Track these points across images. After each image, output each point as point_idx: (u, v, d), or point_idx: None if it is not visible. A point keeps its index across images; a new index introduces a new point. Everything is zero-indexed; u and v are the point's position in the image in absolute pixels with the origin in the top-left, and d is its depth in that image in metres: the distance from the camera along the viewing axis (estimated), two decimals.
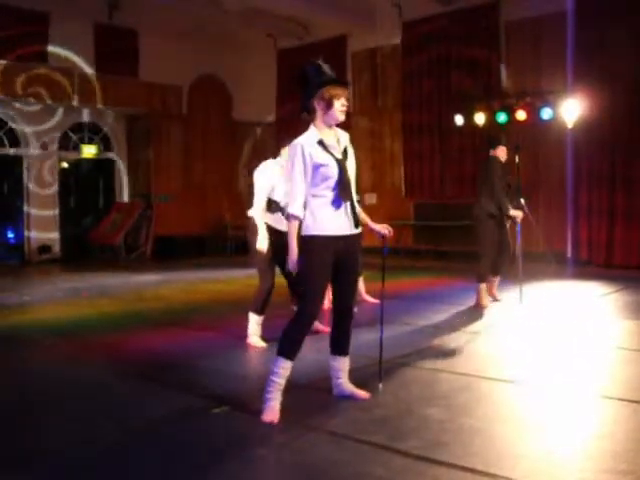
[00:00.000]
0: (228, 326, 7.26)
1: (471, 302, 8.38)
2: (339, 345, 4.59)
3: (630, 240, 12.19)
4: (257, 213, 6.32)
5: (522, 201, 12.26)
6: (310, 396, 4.64)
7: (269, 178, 6.37)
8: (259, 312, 6.39)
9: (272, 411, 4.11)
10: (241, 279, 10.93)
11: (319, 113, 4.35)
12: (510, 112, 12.88)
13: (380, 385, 4.77)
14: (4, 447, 3.82)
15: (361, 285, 8.69)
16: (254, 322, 6.38)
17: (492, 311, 8.05)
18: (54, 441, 3.91)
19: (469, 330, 6.89)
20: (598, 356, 5.79)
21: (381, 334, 4.94)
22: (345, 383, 4.62)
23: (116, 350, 6.33)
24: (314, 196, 4.27)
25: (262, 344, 6.32)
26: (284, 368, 4.21)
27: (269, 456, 3.59)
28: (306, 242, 4.28)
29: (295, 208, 4.24)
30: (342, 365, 4.60)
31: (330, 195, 4.26)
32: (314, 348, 5.67)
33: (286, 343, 4.26)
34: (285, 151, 6.20)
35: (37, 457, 3.66)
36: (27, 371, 5.63)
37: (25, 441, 3.91)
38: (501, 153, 8.55)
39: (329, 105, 4.30)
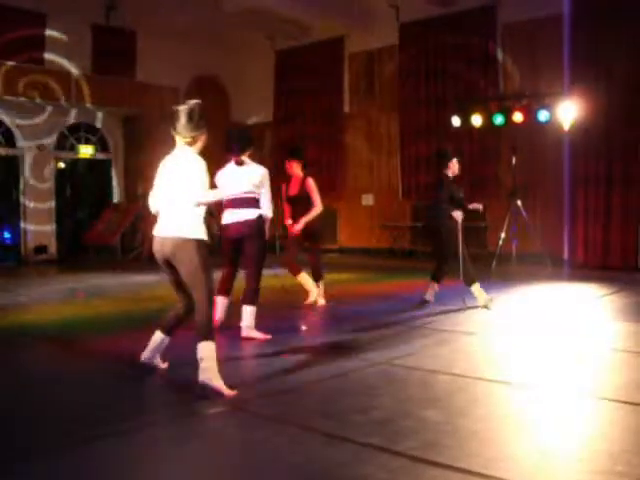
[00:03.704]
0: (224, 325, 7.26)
1: (470, 303, 8.37)
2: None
3: (626, 242, 12.21)
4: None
5: (518, 203, 12.33)
6: (305, 398, 4.64)
7: None
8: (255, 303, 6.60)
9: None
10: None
11: None
12: (507, 114, 12.87)
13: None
14: (1, 447, 3.81)
15: (319, 289, 8.81)
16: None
17: (489, 312, 8.06)
18: (51, 441, 3.90)
19: (466, 331, 6.90)
20: (594, 357, 5.79)
21: None
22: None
23: (112, 350, 6.33)
24: None
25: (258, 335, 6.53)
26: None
27: (267, 459, 3.58)
28: None
29: None
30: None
31: None
32: (307, 350, 5.68)
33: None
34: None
35: (35, 457, 3.65)
36: (23, 371, 5.62)
37: (23, 441, 3.90)
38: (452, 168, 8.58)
39: None
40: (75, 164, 16.99)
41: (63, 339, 6.93)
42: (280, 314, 8.11)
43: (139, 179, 16.97)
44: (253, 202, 6.62)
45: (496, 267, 12.26)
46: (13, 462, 3.57)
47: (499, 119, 13.01)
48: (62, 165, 16.69)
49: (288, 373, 5.24)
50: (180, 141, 5.12)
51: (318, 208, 8.57)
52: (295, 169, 8.70)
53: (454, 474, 3.30)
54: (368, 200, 16.41)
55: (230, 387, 4.63)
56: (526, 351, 6.05)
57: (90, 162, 17.16)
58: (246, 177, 6.61)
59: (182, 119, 5.01)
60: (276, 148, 17.87)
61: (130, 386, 5.14)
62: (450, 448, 3.63)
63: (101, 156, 17.25)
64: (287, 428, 4.00)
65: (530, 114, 12.59)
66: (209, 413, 4.31)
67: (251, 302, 6.59)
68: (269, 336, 6.51)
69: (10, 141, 15.60)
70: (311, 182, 8.61)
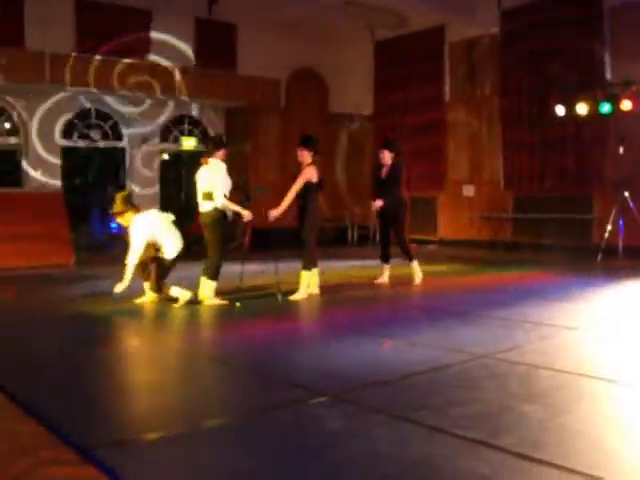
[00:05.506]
0: (328, 315, 7.32)
1: (573, 297, 8.18)
2: None
3: None
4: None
5: (626, 194, 11.90)
6: (405, 390, 4.63)
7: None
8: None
9: None
10: (343, 269, 10.97)
11: None
12: (614, 102, 12.46)
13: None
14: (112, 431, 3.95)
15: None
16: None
17: (592, 307, 7.85)
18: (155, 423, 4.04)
19: (568, 326, 6.73)
20: None
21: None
22: None
23: (211, 338, 6.49)
24: None
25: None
26: None
27: (367, 449, 3.59)
28: None
29: None
30: None
31: None
32: (405, 342, 5.65)
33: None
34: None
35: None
36: (124, 355, 5.83)
37: (122, 426, 4.05)
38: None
39: None
40: (178, 156, 17.44)
41: (162, 326, 7.16)
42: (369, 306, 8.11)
43: (241, 170, 17.27)
44: (209, 196, 8.94)
45: (602, 260, 11.92)
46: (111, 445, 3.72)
47: (606, 107, 12.61)
48: (166, 157, 17.16)
49: (388, 364, 5.25)
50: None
51: (291, 193, 8.78)
52: (305, 157, 8.81)
53: (557, 472, 3.23)
54: (469, 191, 16.19)
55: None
56: (632, 348, 5.86)
57: (193, 154, 17.58)
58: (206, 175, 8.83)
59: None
60: (378, 139, 17.87)
61: (227, 375, 5.26)
62: (552, 446, 3.55)
63: (203, 148, 17.62)
64: (387, 419, 4.01)
65: (639, 101, 12.14)
66: (310, 403, 4.36)
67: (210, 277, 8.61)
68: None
69: (117, 134, 16.16)
70: (306, 170, 8.70)
